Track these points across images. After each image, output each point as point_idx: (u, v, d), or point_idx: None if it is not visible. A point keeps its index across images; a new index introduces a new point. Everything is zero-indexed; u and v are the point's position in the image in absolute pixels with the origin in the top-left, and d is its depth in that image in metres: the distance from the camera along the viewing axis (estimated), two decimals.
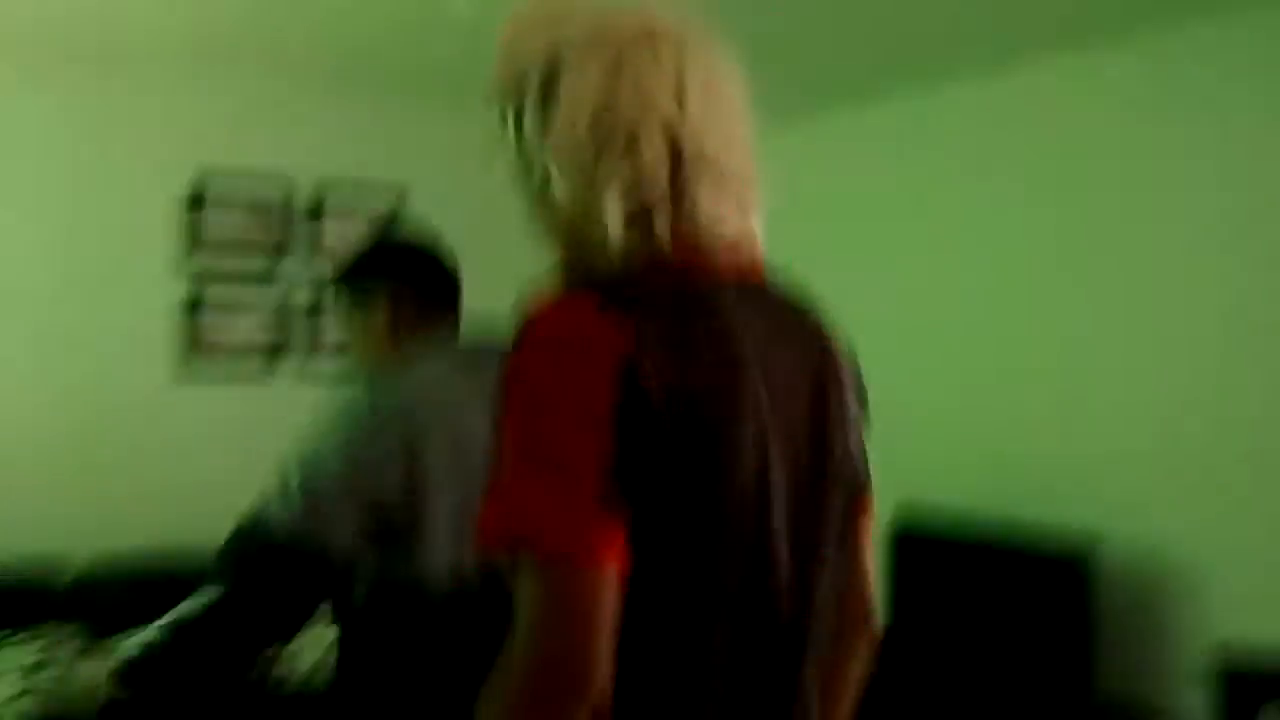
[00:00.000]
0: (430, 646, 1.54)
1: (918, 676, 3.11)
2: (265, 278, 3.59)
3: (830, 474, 0.99)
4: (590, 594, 0.81)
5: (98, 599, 2.99)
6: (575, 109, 0.92)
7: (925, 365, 3.55)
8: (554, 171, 0.93)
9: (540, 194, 0.96)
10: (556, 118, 0.93)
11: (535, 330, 0.86)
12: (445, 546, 1.53)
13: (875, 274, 3.68)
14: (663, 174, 0.92)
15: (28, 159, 3.29)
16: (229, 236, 3.52)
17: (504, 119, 0.97)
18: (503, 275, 3.15)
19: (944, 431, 3.48)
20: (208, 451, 3.38)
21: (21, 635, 2.80)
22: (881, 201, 3.75)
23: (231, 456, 3.03)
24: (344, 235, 3.55)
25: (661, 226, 0.92)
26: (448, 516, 1.53)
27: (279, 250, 3.62)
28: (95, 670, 2.46)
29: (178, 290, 3.48)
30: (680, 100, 0.93)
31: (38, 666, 2.64)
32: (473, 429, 1.47)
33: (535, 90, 0.94)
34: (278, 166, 3.60)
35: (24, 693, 2.43)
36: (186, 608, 1.56)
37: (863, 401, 1.07)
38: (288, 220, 3.63)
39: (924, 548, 3.29)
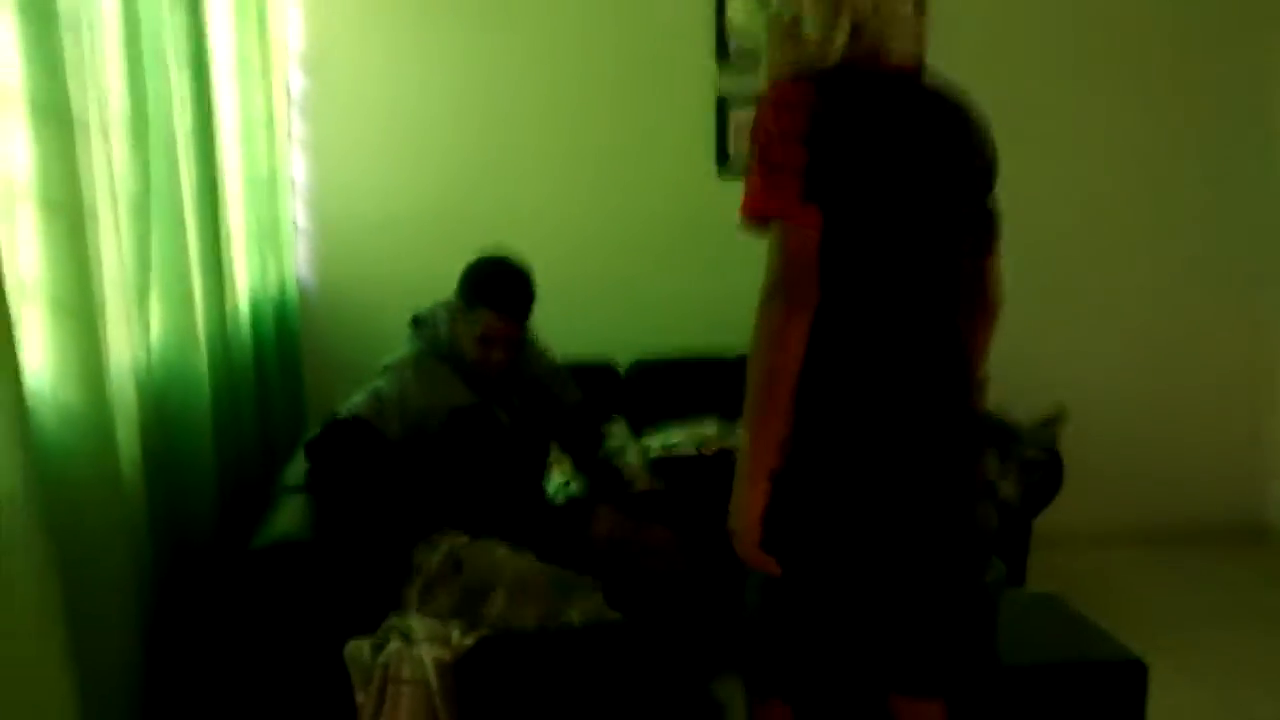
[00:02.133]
0: None
1: None
2: None
3: (965, 204, 1.66)
4: (800, 237, 1.52)
5: (640, 396, 3.39)
6: None
7: None
8: (806, 13, 1.63)
9: (787, 35, 1.65)
10: None
11: (765, 98, 1.58)
12: None
13: None
14: (868, 14, 1.61)
15: None
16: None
17: None
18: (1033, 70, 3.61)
19: None
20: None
21: None
22: None
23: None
24: None
25: (864, 42, 1.61)
26: None
27: None
28: (633, 458, 2.93)
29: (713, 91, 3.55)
30: None
31: None
32: None
33: None
34: None
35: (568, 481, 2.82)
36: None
37: (994, 161, 1.72)
38: None
39: None
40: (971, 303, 1.74)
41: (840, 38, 1.61)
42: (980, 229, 1.73)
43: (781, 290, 1.51)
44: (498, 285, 2.45)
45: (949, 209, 1.63)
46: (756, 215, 1.55)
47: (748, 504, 1.55)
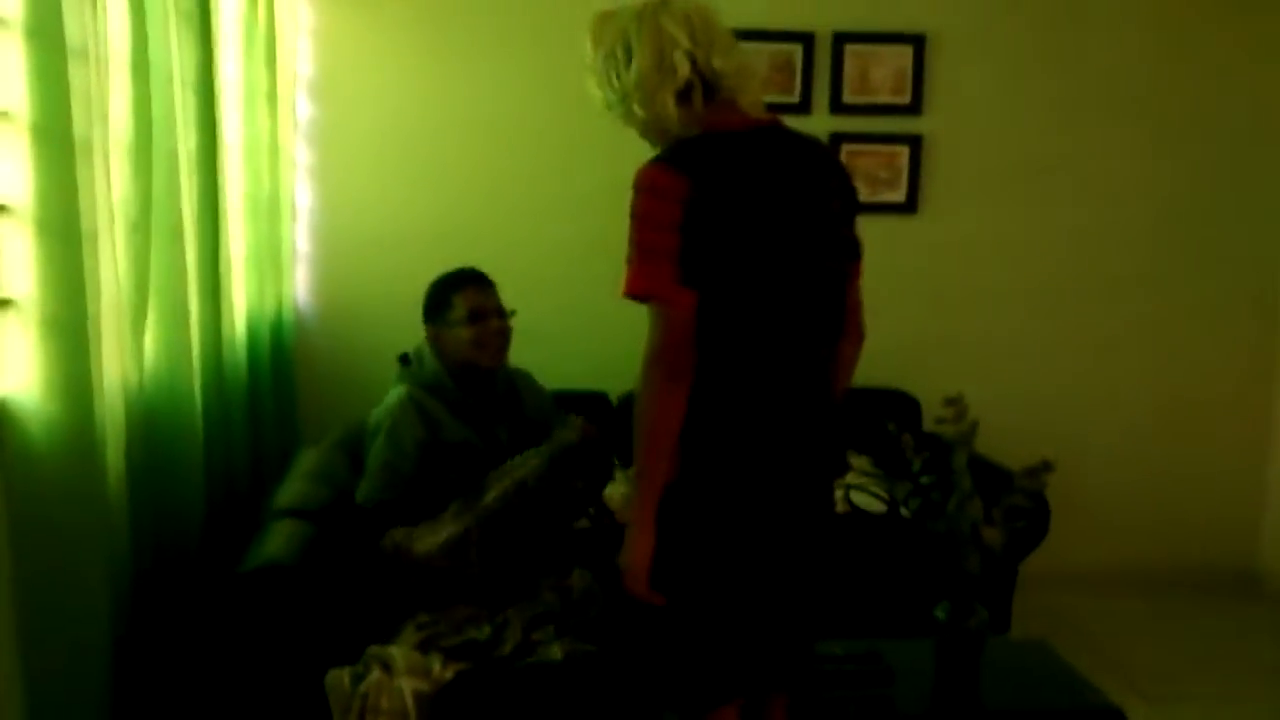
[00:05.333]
0: None
1: None
2: None
3: (830, 243, 1.80)
4: (675, 316, 1.65)
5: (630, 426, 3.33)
6: (642, 61, 1.75)
7: None
8: (638, 96, 1.77)
9: (630, 111, 1.80)
10: (634, 69, 1.76)
11: (639, 183, 1.67)
12: None
13: None
14: (694, 82, 1.75)
15: None
16: None
17: (607, 75, 1.80)
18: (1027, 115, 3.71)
19: None
20: None
21: None
22: None
23: None
24: (864, 88, 3.65)
25: (699, 109, 1.76)
26: None
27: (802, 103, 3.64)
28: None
29: None
30: (693, 37, 1.75)
31: None
32: None
33: (621, 57, 1.77)
34: (797, 20, 3.61)
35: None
36: None
37: (853, 196, 1.87)
38: (808, 73, 3.64)
39: None
40: (838, 329, 1.87)
41: (670, 109, 1.75)
42: (842, 260, 1.84)
43: (661, 363, 1.66)
44: (454, 274, 2.61)
45: (813, 253, 1.76)
46: (636, 297, 1.68)
47: (638, 544, 1.72)
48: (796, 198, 1.74)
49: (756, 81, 1.82)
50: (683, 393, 1.68)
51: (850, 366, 1.95)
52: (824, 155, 1.86)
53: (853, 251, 1.88)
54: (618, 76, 1.78)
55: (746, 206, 1.69)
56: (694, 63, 1.74)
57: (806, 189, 1.76)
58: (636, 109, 1.78)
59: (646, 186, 1.67)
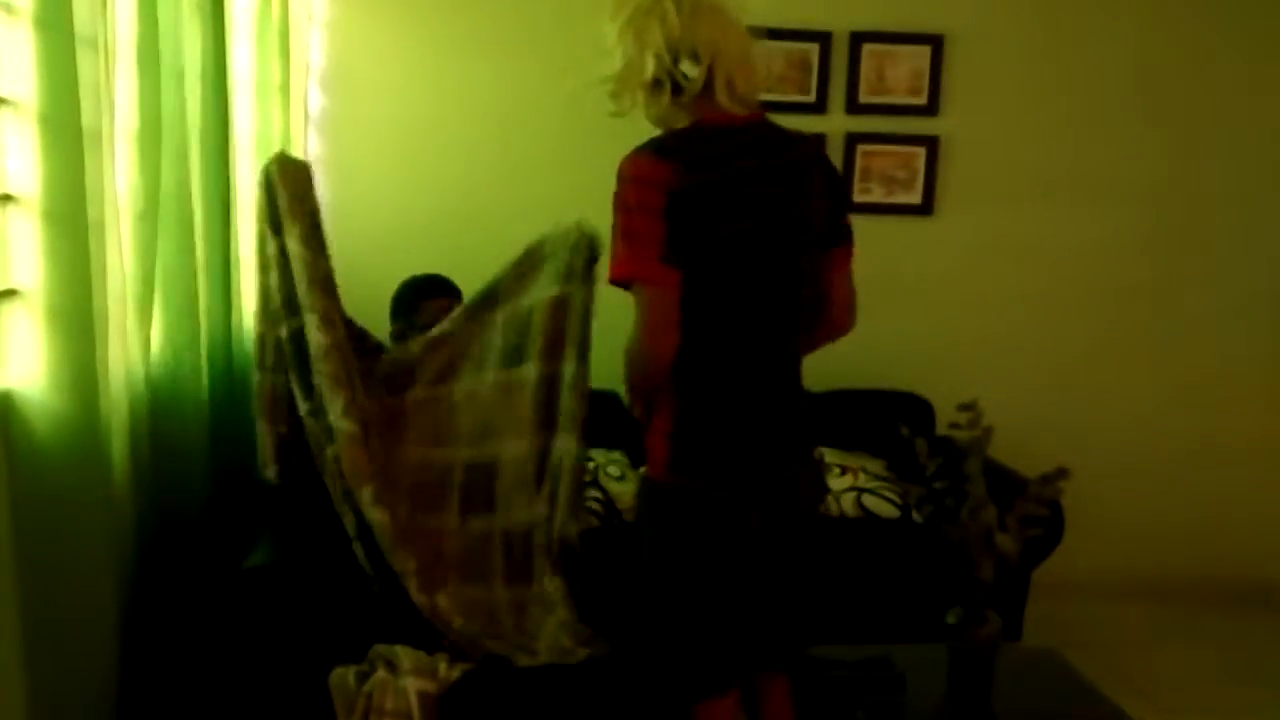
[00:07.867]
0: None
1: None
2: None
3: (803, 228, 1.81)
4: (661, 298, 1.69)
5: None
6: (642, 49, 1.76)
7: None
8: (633, 83, 1.78)
9: (627, 94, 1.80)
10: (633, 55, 1.77)
11: (624, 172, 1.71)
12: None
13: None
14: (697, 76, 1.75)
15: None
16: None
17: (607, 60, 1.80)
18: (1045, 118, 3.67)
19: None
20: None
21: None
22: None
23: None
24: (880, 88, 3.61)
25: (690, 103, 1.77)
26: None
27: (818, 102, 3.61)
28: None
29: None
30: (694, 31, 1.74)
31: None
32: None
33: (630, 41, 1.77)
34: (814, 19, 3.57)
35: None
36: None
37: (836, 185, 1.91)
38: (824, 72, 3.60)
39: None
40: (814, 323, 1.88)
41: (664, 98, 1.76)
42: (823, 249, 1.85)
43: (648, 342, 1.71)
44: (426, 279, 2.76)
45: (789, 247, 1.79)
46: (622, 280, 1.71)
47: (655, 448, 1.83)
48: (777, 192, 1.77)
49: (753, 78, 1.82)
50: (668, 364, 1.73)
51: (816, 346, 1.93)
52: (811, 151, 1.87)
53: (836, 238, 1.88)
54: (616, 60, 1.81)
55: (727, 197, 1.72)
56: (695, 57, 1.76)
57: (788, 184, 1.79)
58: (637, 94, 1.81)
59: (631, 175, 1.71)
